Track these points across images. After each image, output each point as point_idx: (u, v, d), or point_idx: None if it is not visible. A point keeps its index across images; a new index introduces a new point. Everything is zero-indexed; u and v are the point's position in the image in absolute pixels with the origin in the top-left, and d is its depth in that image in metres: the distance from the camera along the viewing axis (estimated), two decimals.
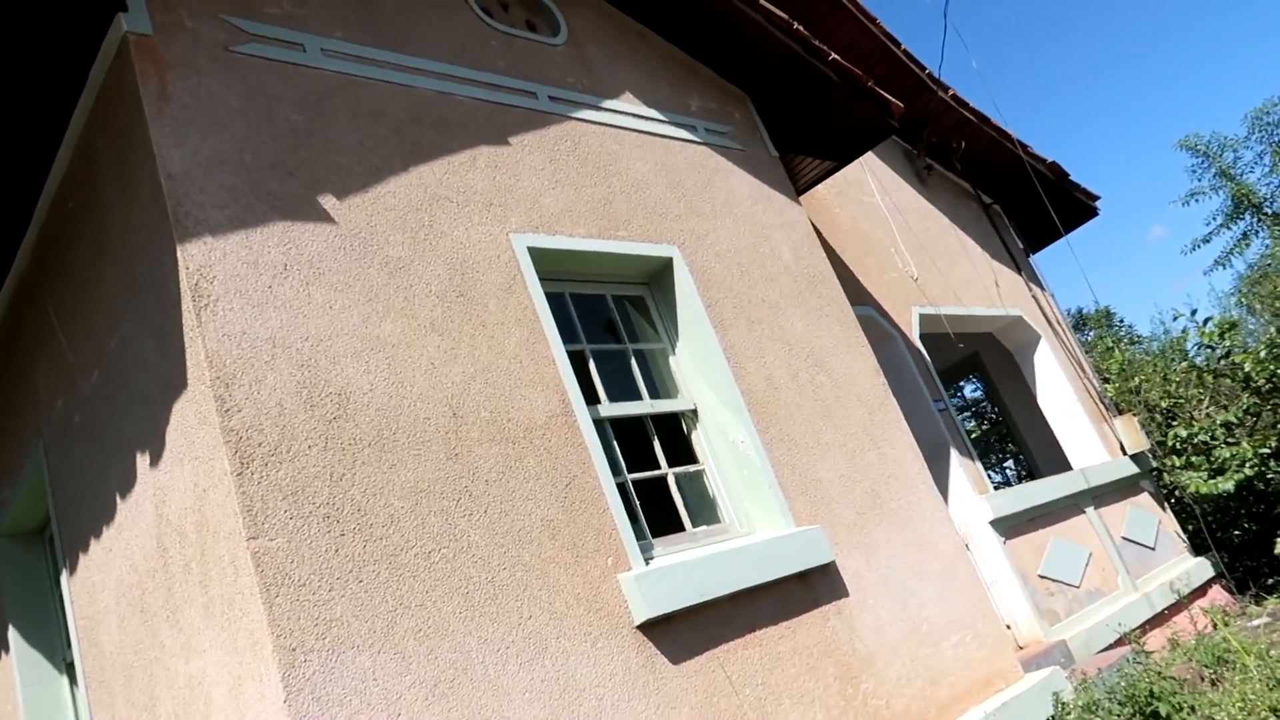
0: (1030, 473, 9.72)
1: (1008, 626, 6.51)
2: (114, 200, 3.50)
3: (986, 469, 10.75)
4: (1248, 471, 7.79)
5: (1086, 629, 6.54)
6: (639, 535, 3.91)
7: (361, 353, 3.32)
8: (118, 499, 3.58)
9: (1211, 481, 7.87)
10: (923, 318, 7.48)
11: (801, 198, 6.98)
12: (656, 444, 4.42)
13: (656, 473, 4.34)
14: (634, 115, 5.14)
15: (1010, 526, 6.74)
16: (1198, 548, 9.01)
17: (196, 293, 3.04)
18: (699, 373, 4.63)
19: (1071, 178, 9.59)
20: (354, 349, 3.31)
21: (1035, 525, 6.97)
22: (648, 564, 3.70)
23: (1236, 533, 8.75)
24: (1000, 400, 9.82)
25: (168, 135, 3.24)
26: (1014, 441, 9.95)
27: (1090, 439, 8.52)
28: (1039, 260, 10.15)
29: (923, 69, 8.38)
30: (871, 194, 7.99)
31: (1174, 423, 8.87)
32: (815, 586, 4.23)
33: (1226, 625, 7.41)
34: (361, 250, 3.54)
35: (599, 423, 4.12)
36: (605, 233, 4.49)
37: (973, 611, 4.94)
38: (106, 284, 3.61)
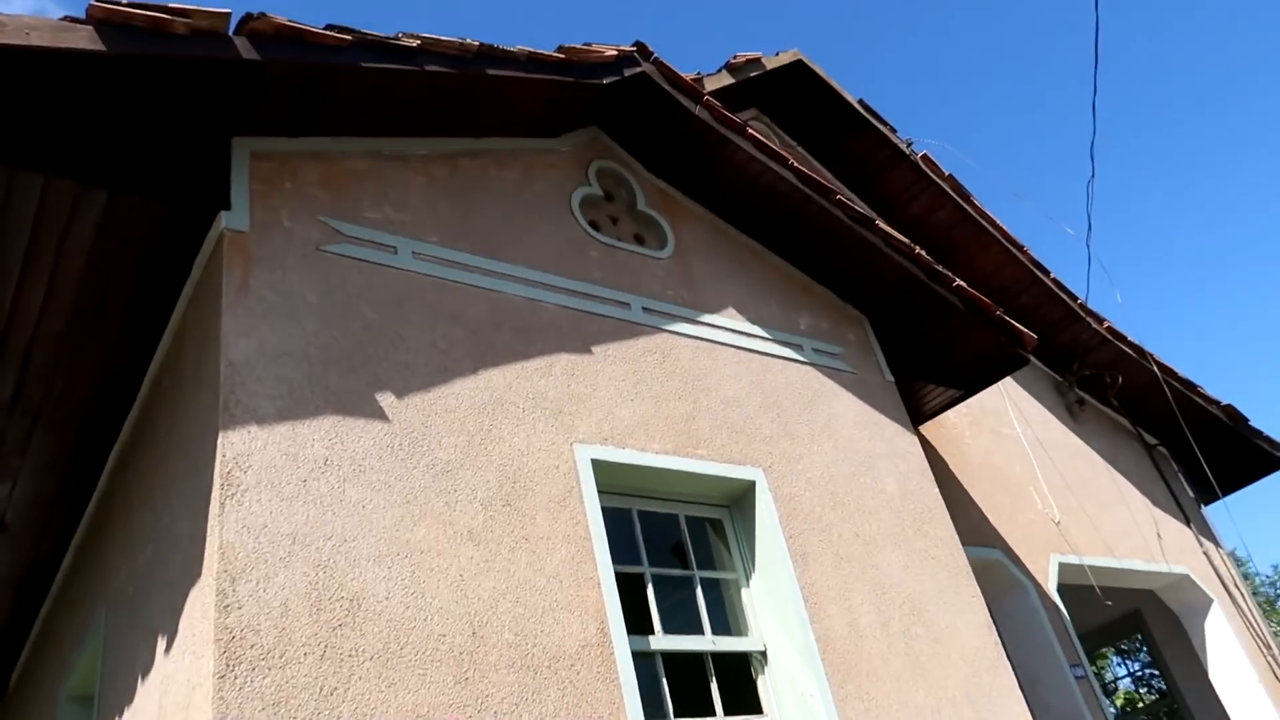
0: None
1: None
2: (189, 383, 3.64)
3: None
4: None
5: None
6: None
7: (386, 557, 3.19)
8: (139, 681, 3.51)
9: None
10: (1063, 567, 6.73)
11: (928, 425, 6.60)
12: (714, 687, 4.00)
13: (711, 719, 3.91)
14: (734, 331, 5.03)
15: None
16: None
17: (227, 480, 3.03)
18: (772, 611, 4.23)
19: (1251, 423, 8.68)
20: (378, 552, 3.19)
21: None
22: None
23: None
24: (1166, 669, 8.58)
25: (238, 325, 3.36)
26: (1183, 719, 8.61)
27: None
28: (1215, 511, 9.11)
29: (1074, 299, 7.98)
30: (1011, 425, 7.46)
31: None
32: None
33: None
34: (410, 450, 3.48)
35: (644, 657, 3.77)
36: (682, 449, 4.29)
37: None
38: (170, 462, 3.69)
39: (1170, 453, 8.91)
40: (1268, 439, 8.79)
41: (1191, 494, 8.63)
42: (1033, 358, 8.19)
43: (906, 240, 5.58)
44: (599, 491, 3.95)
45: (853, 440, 5.09)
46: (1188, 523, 8.28)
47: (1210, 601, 7.74)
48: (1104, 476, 7.90)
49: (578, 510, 3.76)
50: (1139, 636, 8.88)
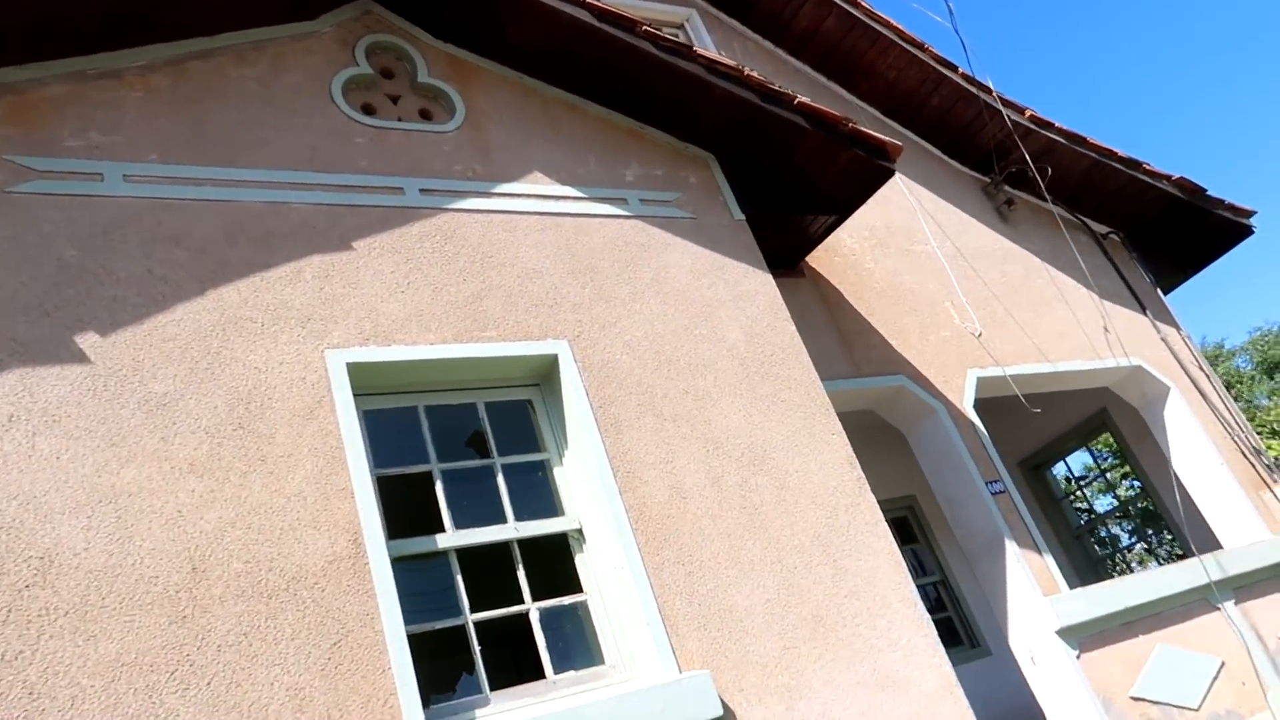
0: (1185, 554, 8.06)
1: None
2: None
3: (1134, 550, 9.09)
4: None
5: None
6: (463, 691, 3.37)
7: (85, 506, 3.04)
8: None
9: None
10: (982, 382, 6.38)
11: (821, 256, 6.25)
12: (521, 574, 3.85)
13: (517, 609, 3.77)
14: (539, 197, 4.67)
15: (1091, 635, 5.49)
16: None
17: None
18: (585, 486, 4.03)
19: (1209, 193, 8.05)
20: (75, 503, 3.03)
21: (1131, 631, 5.65)
22: None
23: None
24: (1136, 463, 8.27)
25: None
26: (1160, 517, 8.33)
27: (1243, 511, 6.94)
28: (1186, 292, 8.58)
29: (988, 91, 7.35)
30: (926, 241, 7.00)
31: None
32: None
33: None
34: (117, 390, 3.28)
35: (430, 557, 3.63)
36: (466, 335, 4.03)
37: None
38: None
39: (1126, 238, 8.35)
40: (1230, 206, 8.16)
41: (1150, 280, 8.10)
42: (955, 162, 7.67)
43: (732, 63, 5.09)
44: (359, 396, 3.75)
45: (687, 291, 4.76)
46: (1143, 310, 7.80)
47: (1167, 389, 7.35)
48: (1040, 277, 7.43)
49: (328, 420, 3.55)
50: (1110, 436, 8.52)
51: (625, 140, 5.20)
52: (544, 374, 4.26)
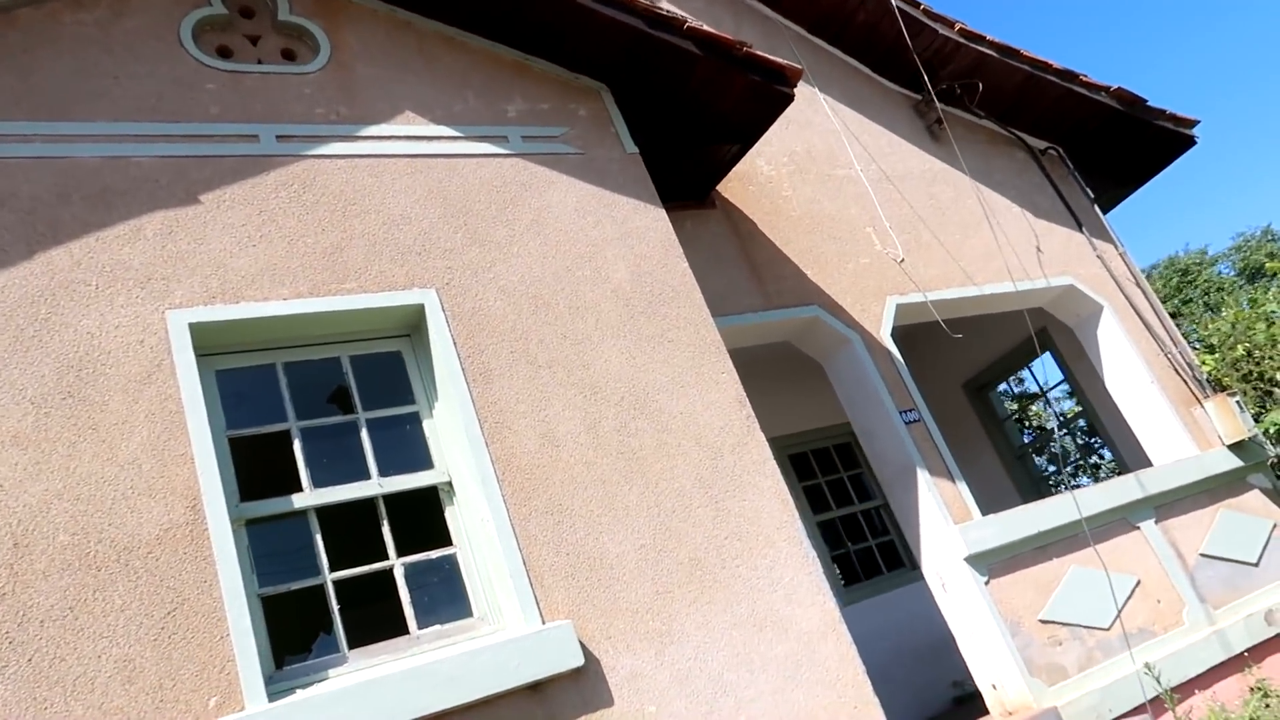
0: (1121, 473, 8.05)
1: (993, 687, 5.31)
2: None
3: (1078, 471, 9.10)
4: None
5: (1104, 687, 5.22)
6: (319, 653, 3.34)
7: None
8: None
9: None
10: (901, 309, 6.27)
11: (733, 186, 6.10)
12: (386, 530, 3.79)
13: (380, 565, 3.73)
14: (410, 138, 4.49)
15: (1002, 560, 5.49)
16: None
17: None
18: (453, 438, 3.95)
19: (1149, 103, 7.82)
20: None
21: (1045, 555, 5.65)
22: (277, 700, 3.11)
23: None
24: (1075, 383, 8.21)
25: None
26: (1100, 436, 8.30)
27: (1172, 429, 6.90)
28: (1128, 207, 8.41)
29: (916, 4, 7.08)
30: (849, 164, 6.81)
31: None
32: (554, 699, 3.46)
33: None
34: None
35: (287, 517, 3.57)
36: (323, 288, 3.90)
37: (837, 703, 3.95)
38: None
39: (1065, 154, 8.14)
40: (1171, 116, 7.93)
41: (1088, 196, 7.93)
42: (884, 80, 7.44)
43: None
44: (206, 356, 3.65)
45: (570, 232, 4.62)
46: (1079, 228, 7.65)
47: (1100, 308, 7.24)
48: (971, 198, 7.26)
49: (168, 384, 3.45)
50: (1054, 355, 8.44)
51: (509, 74, 4.99)
52: (413, 325, 4.15)
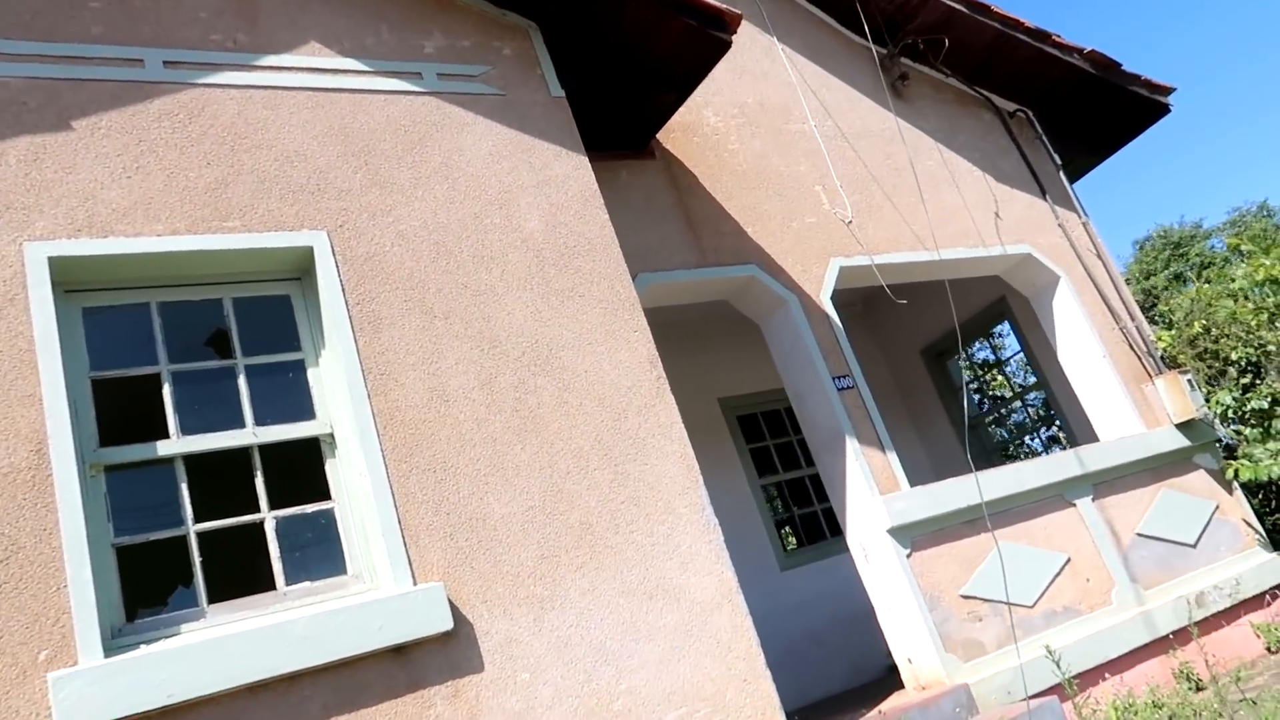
0: (1072, 446, 7.92)
1: (909, 661, 5.23)
2: None
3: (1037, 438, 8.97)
4: None
5: (1020, 665, 5.13)
6: (161, 607, 3.21)
7: None
8: None
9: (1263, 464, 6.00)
10: (845, 271, 6.08)
11: (676, 138, 5.89)
12: (260, 481, 3.64)
13: (249, 518, 3.58)
14: (314, 70, 4.25)
15: (927, 533, 5.38)
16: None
17: None
18: (338, 389, 3.78)
19: (1124, 68, 7.55)
20: None
21: (973, 529, 5.53)
22: (116, 655, 2.98)
23: None
24: (1031, 354, 8.05)
25: None
26: (1054, 409, 8.15)
27: (1120, 405, 6.76)
28: (1100, 174, 8.18)
29: None
30: (803, 119, 6.57)
31: (1261, 380, 6.87)
32: (419, 664, 3.34)
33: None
34: None
35: (153, 464, 3.41)
36: (202, 225, 3.70)
37: (725, 675, 3.84)
38: None
39: (1035, 117, 7.89)
40: (1146, 83, 7.67)
41: (1055, 162, 7.69)
42: (848, 32, 7.17)
43: None
44: (70, 293, 3.47)
45: (482, 177, 4.41)
46: (1043, 194, 7.43)
47: (1057, 278, 7.06)
48: (931, 159, 7.03)
49: (19, 320, 3.27)
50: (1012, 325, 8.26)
51: (430, 7, 4.73)
52: (304, 268, 3.95)
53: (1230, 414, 6.38)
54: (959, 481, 5.64)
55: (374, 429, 3.64)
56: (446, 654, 3.40)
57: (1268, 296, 6.97)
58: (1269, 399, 6.14)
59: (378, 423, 3.66)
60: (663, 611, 3.85)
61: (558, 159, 4.66)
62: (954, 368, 8.82)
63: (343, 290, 3.83)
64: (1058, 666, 4.55)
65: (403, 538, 3.51)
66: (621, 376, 4.26)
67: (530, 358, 4.10)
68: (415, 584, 3.45)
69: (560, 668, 3.56)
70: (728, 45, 5.03)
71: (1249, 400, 6.19)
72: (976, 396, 9.24)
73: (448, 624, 3.39)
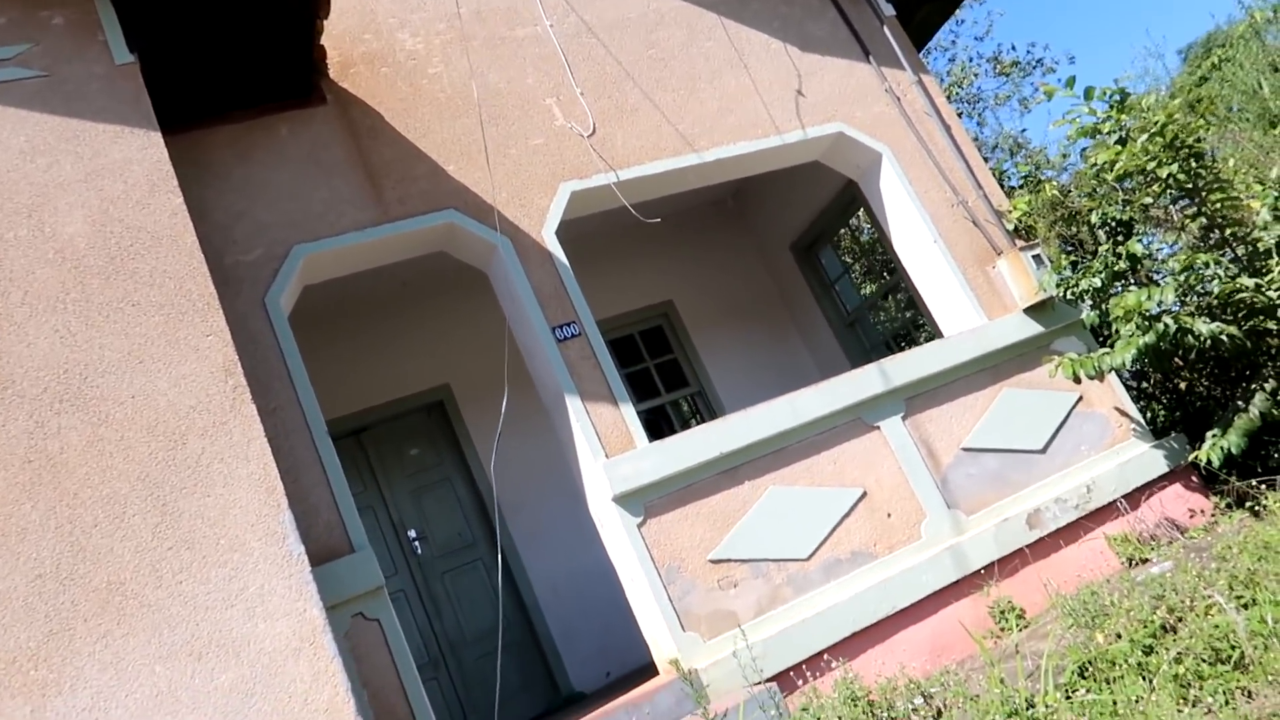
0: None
1: (654, 643, 4.63)
2: None
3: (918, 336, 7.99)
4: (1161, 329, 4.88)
5: (780, 631, 4.48)
6: None
7: None
8: None
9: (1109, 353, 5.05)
10: (578, 196, 5.25)
11: (360, 72, 5.16)
12: None
13: None
14: None
15: (667, 495, 4.70)
16: (1160, 431, 6.16)
17: None
18: None
19: None
20: None
21: (734, 479, 4.82)
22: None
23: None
24: (890, 247, 7.06)
25: None
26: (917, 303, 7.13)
27: (955, 296, 5.84)
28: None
29: None
30: (535, 21, 5.64)
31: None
32: None
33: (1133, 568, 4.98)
34: None
35: None
36: None
37: None
38: None
39: None
40: None
41: (883, 14, 6.54)
42: None
43: None
44: None
45: (7, 182, 3.77)
46: (866, 57, 6.34)
47: (879, 156, 6.06)
48: (710, 39, 6.02)
49: None
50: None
51: None
52: None
53: (1071, 291, 5.37)
54: (712, 427, 4.90)
55: None
56: None
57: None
58: (1102, 273, 5.11)
59: None
60: (215, 672, 3.33)
61: (117, 141, 3.98)
62: (829, 261, 7.88)
63: None
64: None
65: None
66: (183, 395, 3.66)
67: (54, 394, 3.53)
68: None
69: None
70: None
71: (1081, 279, 5.18)
72: (853, 290, 8.30)
73: None
